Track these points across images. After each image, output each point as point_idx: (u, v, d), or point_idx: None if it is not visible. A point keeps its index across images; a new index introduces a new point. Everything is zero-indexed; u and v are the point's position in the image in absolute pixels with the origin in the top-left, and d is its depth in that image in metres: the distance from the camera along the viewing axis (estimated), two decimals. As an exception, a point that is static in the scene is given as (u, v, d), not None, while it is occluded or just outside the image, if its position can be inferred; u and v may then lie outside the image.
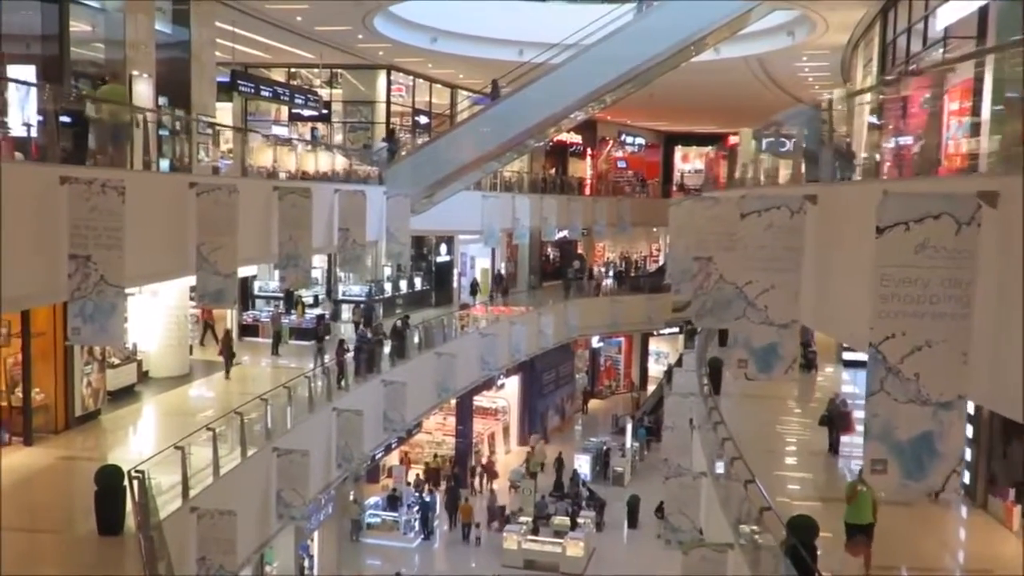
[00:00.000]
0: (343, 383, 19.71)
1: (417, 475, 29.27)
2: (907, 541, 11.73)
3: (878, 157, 9.26)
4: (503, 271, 37.82)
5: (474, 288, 33.41)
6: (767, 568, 10.45)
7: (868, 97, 11.39)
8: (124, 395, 18.25)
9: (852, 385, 21.99)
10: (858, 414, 17.64)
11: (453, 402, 30.47)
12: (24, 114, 11.30)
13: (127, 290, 10.34)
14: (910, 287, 5.35)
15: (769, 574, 10.13)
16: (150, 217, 11.16)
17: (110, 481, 11.38)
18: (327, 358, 20.18)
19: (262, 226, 14.57)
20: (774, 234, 8.18)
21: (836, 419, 16.06)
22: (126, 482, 11.38)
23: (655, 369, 45.61)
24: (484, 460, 31.97)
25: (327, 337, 22.36)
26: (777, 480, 14.50)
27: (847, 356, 23.36)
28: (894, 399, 5.41)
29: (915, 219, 5.34)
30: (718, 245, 11.15)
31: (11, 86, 11.52)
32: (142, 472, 11.42)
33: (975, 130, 7.07)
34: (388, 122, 30.29)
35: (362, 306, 25.65)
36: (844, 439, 16.30)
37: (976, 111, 7.00)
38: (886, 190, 5.38)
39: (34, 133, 11.13)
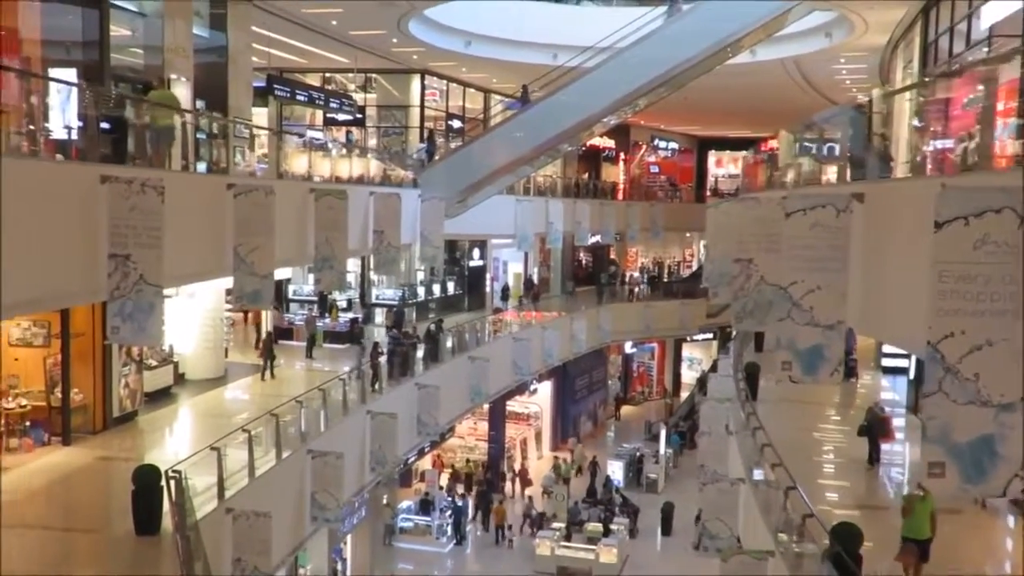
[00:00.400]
0: (377, 386, 19.70)
1: (448, 479, 29.23)
2: (952, 548, 11.43)
3: (922, 156, 9.07)
4: (534, 277, 37.73)
5: (505, 293, 33.35)
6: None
7: (910, 95, 11.16)
8: (160, 397, 18.37)
9: (892, 392, 21.63)
10: (897, 422, 17.34)
11: (486, 407, 30.42)
12: (65, 117, 11.43)
13: (165, 292, 10.40)
14: (969, 284, 5.16)
15: (812, 582, 9.91)
16: (188, 218, 11.20)
17: (147, 481, 11.42)
18: (364, 360, 20.16)
19: (298, 228, 14.61)
20: (819, 233, 8.01)
21: (875, 426, 15.69)
22: (163, 482, 11.41)
23: (688, 375, 45.23)
24: (517, 467, 31.82)
25: (363, 340, 22.44)
26: (816, 488, 14.23)
27: (886, 363, 22.98)
28: (952, 400, 5.23)
29: (974, 213, 5.16)
30: (759, 246, 10.96)
31: (52, 90, 11.66)
32: (179, 472, 11.44)
33: (1021, 131, 6.85)
34: (422, 126, 30.35)
35: (393, 310, 25.66)
36: (884, 448, 15.97)
37: (1022, 112, 6.79)
38: (944, 183, 5.21)
39: (74, 136, 11.24)
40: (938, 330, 5.23)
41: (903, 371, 21.66)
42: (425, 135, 28.91)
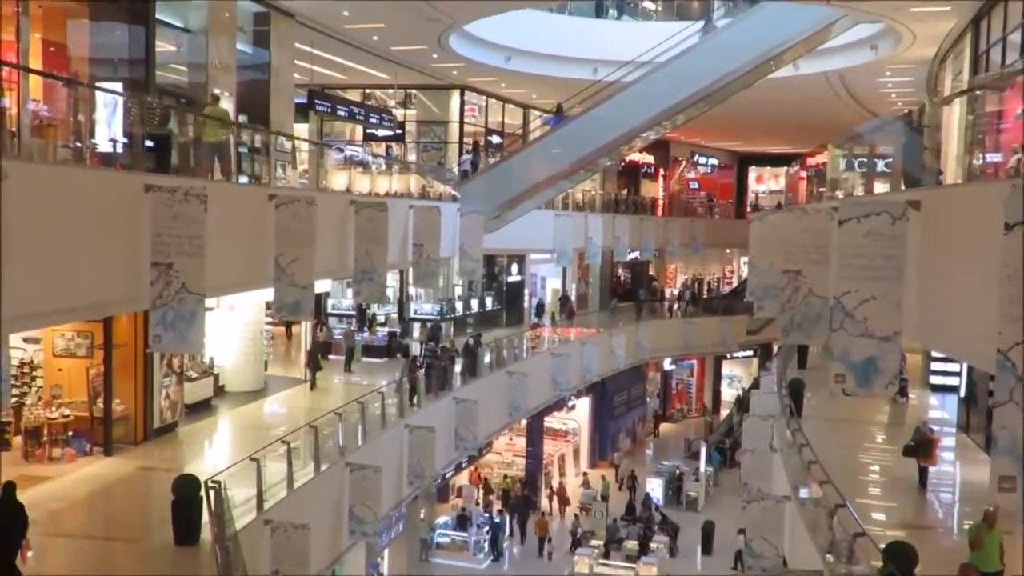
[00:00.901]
0: (415, 400, 19.62)
1: (485, 494, 29.03)
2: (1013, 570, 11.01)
3: (971, 169, 8.81)
4: (571, 293, 37.47)
5: (540, 309, 33.14)
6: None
7: (959, 103, 10.85)
8: (201, 408, 18.45)
9: (941, 411, 21.09)
10: (946, 441, 16.81)
11: (523, 423, 30.24)
12: (111, 131, 11.53)
13: (206, 304, 10.40)
14: (1041, 289, 4.91)
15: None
16: (230, 228, 11.21)
17: (187, 491, 11.40)
18: (403, 374, 20.08)
19: (338, 240, 14.60)
20: (874, 242, 7.77)
21: (921, 447, 15.13)
22: (202, 492, 11.38)
23: (728, 393, 44.65)
24: (556, 484, 31.44)
25: (399, 355, 22.40)
26: (863, 508, 13.80)
27: (935, 381, 22.43)
28: (1024, 410, 4.97)
29: (1046, 215, 4.92)
30: (807, 258, 10.70)
31: (99, 104, 11.77)
32: (218, 482, 11.41)
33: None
34: (461, 142, 30.41)
35: (429, 325, 25.44)
36: (932, 469, 15.44)
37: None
38: (1015, 184, 4.98)
39: (119, 150, 11.31)
40: (1008, 337, 4.98)
41: (952, 389, 21.12)
42: (470, 147, 28.87)
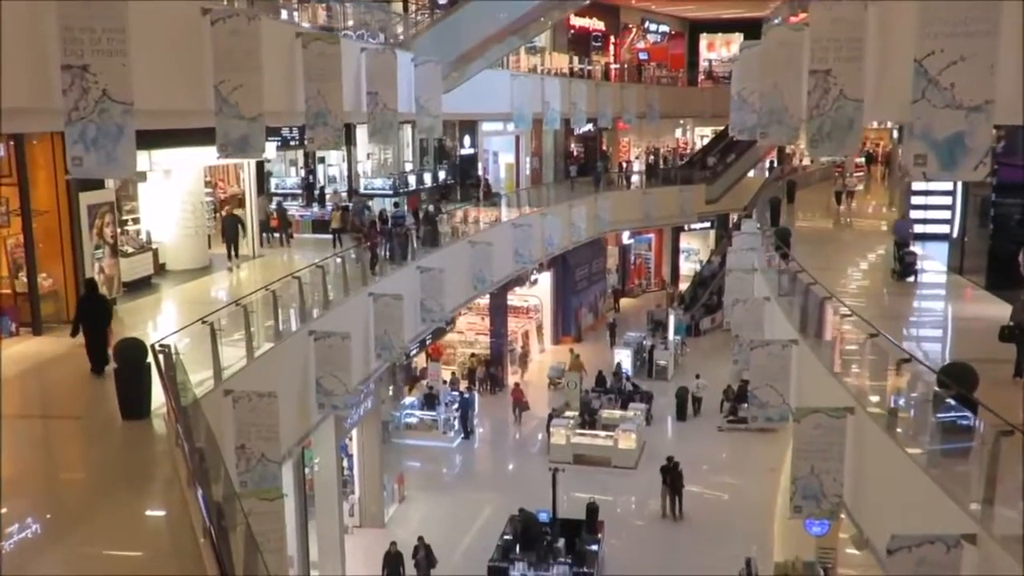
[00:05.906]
0: (376, 269, 18.13)
1: (452, 373, 27.95)
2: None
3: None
4: (524, 168, 35.68)
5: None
6: (909, 431, 8.94)
7: None
8: (140, 286, 16.74)
9: (926, 259, 20.35)
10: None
11: (484, 302, 29.06)
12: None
13: (137, 168, 8.66)
14: None
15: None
16: (157, 41, 9.31)
17: (131, 355, 9.87)
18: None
19: (287, 79, 12.68)
20: (965, -12, 6.35)
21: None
22: (150, 357, 9.85)
23: (686, 267, 44.08)
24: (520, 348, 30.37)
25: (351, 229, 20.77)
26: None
27: (918, 230, 21.61)
28: None
29: None
30: (839, 55, 9.24)
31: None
32: (167, 346, 9.87)
33: None
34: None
35: (348, 208, 22.47)
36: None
37: None
38: None
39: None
40: None
41: (939, 237, 20.44)
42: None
